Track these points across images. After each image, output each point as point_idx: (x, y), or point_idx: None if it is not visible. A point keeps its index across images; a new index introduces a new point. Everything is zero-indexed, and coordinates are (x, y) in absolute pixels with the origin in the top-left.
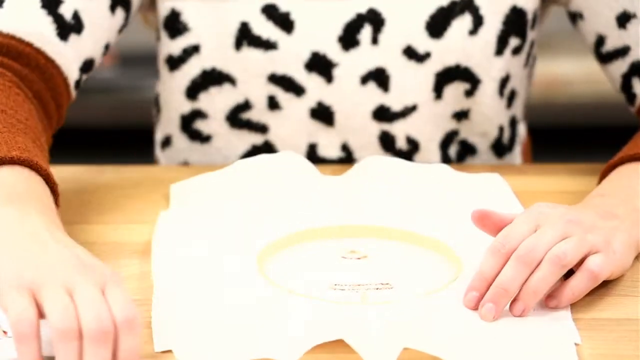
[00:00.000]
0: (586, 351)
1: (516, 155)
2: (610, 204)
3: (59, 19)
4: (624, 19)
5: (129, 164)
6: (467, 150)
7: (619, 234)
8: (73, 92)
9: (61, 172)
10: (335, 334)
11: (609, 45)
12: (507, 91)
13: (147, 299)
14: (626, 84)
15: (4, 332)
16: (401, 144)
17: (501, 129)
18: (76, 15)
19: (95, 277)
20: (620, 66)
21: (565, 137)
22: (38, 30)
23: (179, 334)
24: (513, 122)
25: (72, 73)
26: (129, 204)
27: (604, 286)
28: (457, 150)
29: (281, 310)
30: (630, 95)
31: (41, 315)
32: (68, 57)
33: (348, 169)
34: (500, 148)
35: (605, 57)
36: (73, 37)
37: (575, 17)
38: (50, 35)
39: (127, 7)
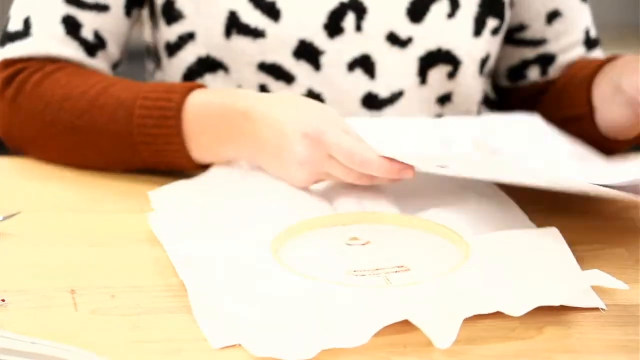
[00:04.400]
0: (575, 335)
1: None
2: None
3: (83, 42)
4: (552, 16)
5: None
6: None
7: None
8: None
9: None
10: (396, 315)
11: (528, 34)
12: (486, 70)
13: (170, 284)
14: (521, 66)
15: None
16: None
17: (479, 105)
18: (97, 35)
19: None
20: (526, 52)
21: None
22: (68, 53)
23: (239, 330)
24: (487, 99)
25: None
26: (133, 193)
27: None
28: None
29: (324, 299)
30: (517, 75)
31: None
32: (99, 67)
33: None
34: None
35: (515, 41)
36: (100, 53)
37: (511, 4)
38: (80, 56)
39: (140, 3)
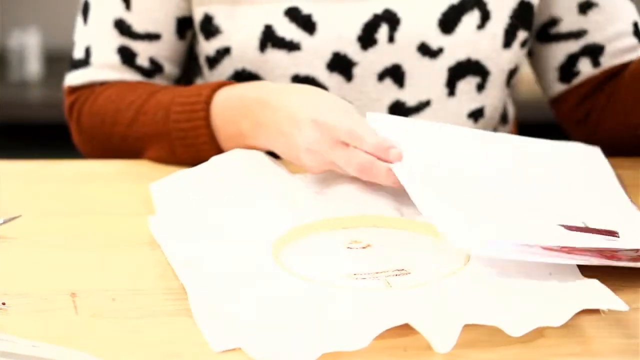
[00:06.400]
0: (575, 338)
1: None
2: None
3: (139, 69)
4: (586, 7)
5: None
6: None
7: None
8: None
9: (65, 166)
10: (397, 319)
11: (562, 27)
12: (512, 82)
13: (170, 287)
14: (570, 62)
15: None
16: None
17: (501, 113)
18: (153, 61)
19: None
20: (568, 46)
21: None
22: (126, 79)
23: (240, 334)
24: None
25: None
26: (134, 195)
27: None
28: None
29: (324, 302)
30: (569, 73)
31: None
32: (160, 84)
33: None
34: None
35: (553, 37)
36: (157, 75)
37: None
38: (138, 80)
39: (191, 24)
